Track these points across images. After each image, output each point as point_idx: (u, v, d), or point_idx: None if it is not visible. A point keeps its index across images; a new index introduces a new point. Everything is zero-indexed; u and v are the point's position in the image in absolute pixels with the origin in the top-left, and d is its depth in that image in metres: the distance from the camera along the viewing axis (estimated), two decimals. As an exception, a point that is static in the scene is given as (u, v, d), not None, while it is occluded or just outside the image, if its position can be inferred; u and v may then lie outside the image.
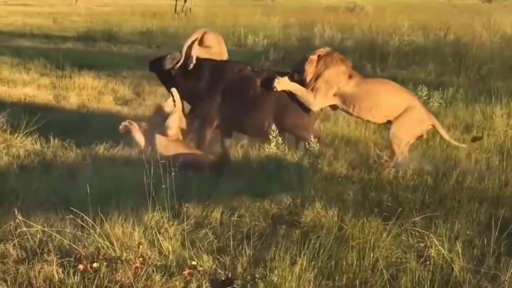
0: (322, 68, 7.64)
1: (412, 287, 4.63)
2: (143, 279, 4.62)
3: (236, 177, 6.86)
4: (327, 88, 7.55)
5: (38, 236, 5.22)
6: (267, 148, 7.06)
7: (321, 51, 7.81)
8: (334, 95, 7.60)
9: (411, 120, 7.45)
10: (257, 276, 4.63)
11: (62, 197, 6.15)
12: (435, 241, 5.00)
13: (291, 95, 7.60)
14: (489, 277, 4.74)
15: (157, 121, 8.03)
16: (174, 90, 7.97)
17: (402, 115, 7.46)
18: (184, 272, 4.67)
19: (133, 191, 6.07)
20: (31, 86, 12.35)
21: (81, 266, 4.69)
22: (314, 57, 7.69)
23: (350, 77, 7.63)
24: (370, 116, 7.60)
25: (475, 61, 14.17)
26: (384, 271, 4.71)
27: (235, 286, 4.54)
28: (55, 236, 5.14)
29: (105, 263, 4.76)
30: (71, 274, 4.59)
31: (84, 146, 8.02)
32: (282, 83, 7.56)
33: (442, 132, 7.71)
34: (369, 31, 17.99)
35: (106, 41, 20.68)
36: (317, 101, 7.58)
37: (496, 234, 5.17)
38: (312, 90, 7.59)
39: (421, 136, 7.67)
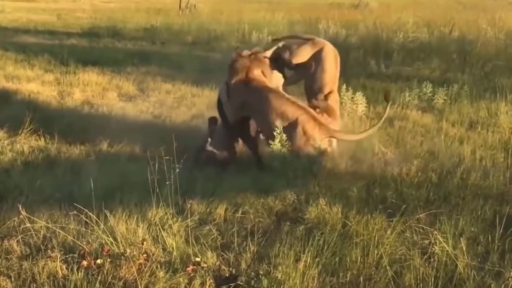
0: (230, 77, 7.43)
1: (416, 284, 4.62)
2: (147, 275, 4.61)
3: (240, 173, 6.85)
4: (233, 100, 7.38)
5: (42, 232, 5.23)
6: (271, 144, 7.04)
7: (236, 54, 7.57)
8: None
9: (295, 137, 6.92)
10: (261, 272, 4.62)
11: (66, 193, 6.17)
12: (440, 238, 4.99)
13: None
14: (493, 274, 4.73)
15: None
16: None
17: (286, 130, 6.93)
18: (188, 269, 4.67)
19: (137, 187, 6.07)
20: (36, 82, 12.37)
21: (85, 262, 4.69)
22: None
23: (247, 85, 7.32)
24: (259, 128, 7.28)
25: (480, 58, 14.13)
26: (388, 268, 4.71)
27: (239, 282, 4.53)
28: (59, 232, 5.15)
29: (109, 259, 4.77)
30: (75, 270, 4.59)
31: (88, 142, 8.04)
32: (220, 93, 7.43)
33: (348, 138, 7.31)
34: (374, 28, 17.97)
35: (110, 38, 20.71)
36: (230, 115, 7.44)
37: (500, 231, 5.15)
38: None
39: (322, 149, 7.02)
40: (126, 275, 4.62)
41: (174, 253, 4.92)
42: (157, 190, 5.46)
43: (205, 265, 4.75)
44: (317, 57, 7.75)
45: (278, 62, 7.92)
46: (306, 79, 7.98)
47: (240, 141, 7.69)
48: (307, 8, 26.62)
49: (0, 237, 5.23)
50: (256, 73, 7.42)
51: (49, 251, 4.95)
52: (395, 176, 6.77)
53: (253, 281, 4.51)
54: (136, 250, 4.91)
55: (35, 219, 5.27)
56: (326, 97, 7.56)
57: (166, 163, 5.69)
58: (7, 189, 6.35)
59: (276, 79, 7.72)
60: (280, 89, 7.69)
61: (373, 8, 26.72)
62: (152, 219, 5.46)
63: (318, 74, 7.72)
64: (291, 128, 6.94)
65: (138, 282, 4.51)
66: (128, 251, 4.87)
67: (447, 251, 4.87)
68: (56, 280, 4.59)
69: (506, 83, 11.54)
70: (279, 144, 6.93)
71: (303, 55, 7.82)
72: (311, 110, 7.15)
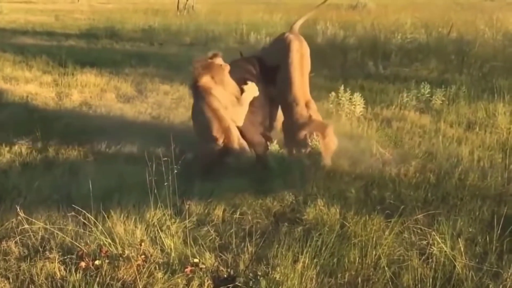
0: None
1: (414, 284, 4.62)
2: (145, 276, 4.62)
3: (238, 175, 6.85)
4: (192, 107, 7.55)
5: (40, 234, 5.23)
6: (269, 145, 7.03)
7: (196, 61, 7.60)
8: None
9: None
10: (259, 273, 4.63)
11: (64, 194, 6.17)
12: (438, 238, 5.00)
13: None
14: (491, 274, 4.74)
15: None
16: None
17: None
18: (186, 270, 4.68)
19: (135, 188, 6.07)
20: (34, 84, 12.37)
21: (83, 264, 4.70)
22: None
23: (195, 91, 7.38)
24: None
25: (477, 58, 14.14)
26: (386, 268, 4.71)
27: (237, 283, 4.54)
28: (57, 233, 5.15)
29: (107, 261, 4.77)
30: (73, 272, 4.60)
31: (87, 143, 8.02)
32: None
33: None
34: (372, 29, 17.94)
35: (108, 39, 20.69)
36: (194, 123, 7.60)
37: (498, 231, 5.16)
38: None
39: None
40: (125, 276, 4.62)
41: (172, 254, 4.93)
42: (155, 191, 5.46)
43: (203, 266, 4.76)
44: (284, 60, 7.68)
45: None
46: (278, 87, 7.80)
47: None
48: (305, 9, 26.38)
49: (-2, 238, 5.24)
50: (205, 79, 7.33)
51: (47, 252, 4.95)
52: (393, 177, 6.77)
53: (251, 282, 4.51)
54: (134, 251, 4.92)
55: (33, 220, 5.27)
56: (309, 114, 7.49)
57: (164, 164, 5.69)
58: (5, 190, 6.34)
59: (233, 87, 7.57)
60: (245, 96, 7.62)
61: (371, 9, 26.70)
62: (150, 220, 5.46)
63: (286, 83, 7.61)
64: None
65: (136, 283, 4.51)
66: (127, 252, 4.88)
67: (445, 251, 4.87)
68: (54, 281, 4.60)
69: (503, 84, 11.54)
70: (276, 146, 6.93)
71: (273, 56, 7.83)
72: (224, 117, 7.10)
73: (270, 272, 4.64)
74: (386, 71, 13.87)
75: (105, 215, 5.31)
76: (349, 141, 7.91)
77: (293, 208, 6.07)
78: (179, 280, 4.60)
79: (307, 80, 7.69)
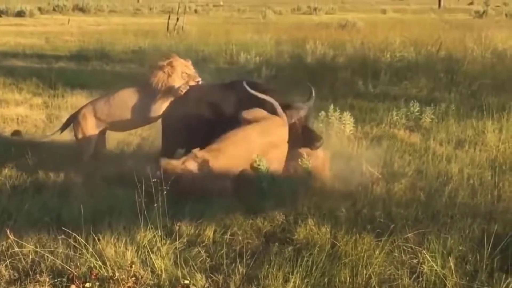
0: None
1: (405, 303, 4.63)
2: (135, 298, 4.61)
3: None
4: None
5: (30, 257, 5.22)
6: (258, 165, 7.02)
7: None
8: None
9: None
10: (250, 294, 4.63)
11: (55, 217, 6.14)
12: (428, 257, 5.01)
13: None
14: (482, 292, 4.75)
15: None
16: None
17: None
18: (177, 291, 4.67)
19: (125, 210, 6.07)
20: (24, 106, 12.35)
21: (73, 286, 4.68)
22: None
23: None
24: None
25: (466, 76, 14.23)
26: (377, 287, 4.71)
27: (228, 304, 4.54)
28: (47, 256, 5.13)
29: (97, 283, 4.76)
30: (64, 295, 4.58)
31: (76, 165, 8.00)
32: None
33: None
34: (361, 48, 18.00)
35: (98, 60, 20.67)
36: None
37: (489, 249, 5.17)
38: None
39: None
40: (115, 299, 4.61)
41: (163, 275, 4.92)
42: (145, 212, 5.46)
43: (194, 287, 4.74)
44: None
45: None
46: None
47: None
48: (294, 29, 26.70)
49: (-12, 261, 5.21)
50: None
51: (37, 275, 4.94)
52: (383, 196, 6.79)
53: (242, 303, 4.51)
54: (125, 273, 4.91)
55: (24, 243, 5.26)
56: None
57: (154, 185, 5.69)
58: (-5, 213, 6.32)
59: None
60: None
61: (360, 28, 26.82)
62: (140, 241, 5.45)
63: None
64: None
65: (127, 306, 4.50)
66: (117, 274, 4.86)
67: (436, 270, 4.89)
68: (45, 305, 4.58)
69: (492, 101, 11.62)
70: (266, 165, 6.93)
71: None
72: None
73: (261, 293, 4.64)
74: (376, 90, 13.92)
75: (96, 238, 5.30)
76: (339, 160, 7.91)
77: (283, 228, 6.08)
78: (170, 302, 4.59)
79: None
